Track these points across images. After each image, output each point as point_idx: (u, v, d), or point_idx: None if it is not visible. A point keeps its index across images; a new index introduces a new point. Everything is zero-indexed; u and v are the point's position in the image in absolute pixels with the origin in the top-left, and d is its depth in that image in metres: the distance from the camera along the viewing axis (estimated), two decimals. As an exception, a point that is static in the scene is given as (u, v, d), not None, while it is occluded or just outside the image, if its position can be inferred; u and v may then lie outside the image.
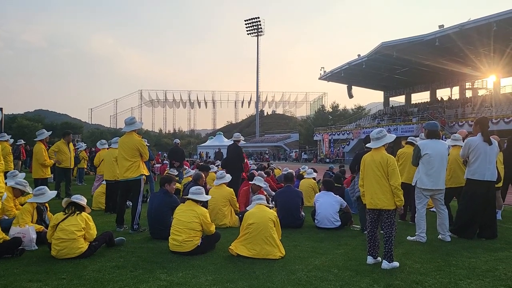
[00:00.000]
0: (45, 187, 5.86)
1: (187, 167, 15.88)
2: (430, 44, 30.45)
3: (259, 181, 7.83)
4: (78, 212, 4.88)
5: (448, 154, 6.28)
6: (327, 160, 43.74)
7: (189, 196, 5.26)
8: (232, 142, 9.54)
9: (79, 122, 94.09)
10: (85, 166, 12.10)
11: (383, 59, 36.37)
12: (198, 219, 5.05)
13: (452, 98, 42.53)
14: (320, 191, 7.32)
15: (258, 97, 64.70)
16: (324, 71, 46.80)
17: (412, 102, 47.94)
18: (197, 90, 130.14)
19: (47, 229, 5.47)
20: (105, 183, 8.63)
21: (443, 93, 45.29)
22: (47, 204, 5.88)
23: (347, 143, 45.00)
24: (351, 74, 43.36)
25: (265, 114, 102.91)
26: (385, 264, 4.43)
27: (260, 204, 5.13)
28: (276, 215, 5.08)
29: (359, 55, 39.58)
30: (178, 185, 11.01)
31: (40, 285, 3.82)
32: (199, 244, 4.98)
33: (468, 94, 41.57)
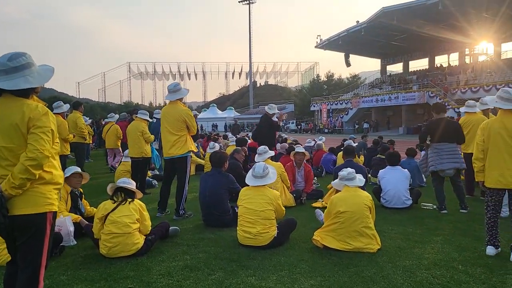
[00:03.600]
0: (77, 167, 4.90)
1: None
2: (433, 9, 29.48)
3: (300, 148, 7.21)
4: (130, 200, 3.96)
5: None
6: (326, 130, 43.12)
7: (253, 183, 4.34)
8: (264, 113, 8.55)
9: (67, 96, 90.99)
10: (91, 142, 11.01)
11: (383, 26, 35.20)
12: (272, 205, 4.20)
13: (452, 65, 41.76)
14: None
15: (251, 67, 63.04)
16: (321, 39, 45.47)
17: (410, 70, 47.05)
18: (186, 62, 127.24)
19: (83, 218, 4.58)
20: (129, 160, 7.59)
21: (441, 60, 44.50)
22: (81, 189, 4.92)
23: (346, 112, 44.19)
24: (349, 42, 42.16)
25: (258, 85, 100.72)
26: (518, 257, 3.65)
27: (352, 186, 4.24)
28: (371, 198, 4.21)
29: (357, 22, 38.35)
30: (200, 160, 10.12)
31: (106, 300, 2.95)
32: (275, 235, 4.14)
33: (467, 60, 40.80)
